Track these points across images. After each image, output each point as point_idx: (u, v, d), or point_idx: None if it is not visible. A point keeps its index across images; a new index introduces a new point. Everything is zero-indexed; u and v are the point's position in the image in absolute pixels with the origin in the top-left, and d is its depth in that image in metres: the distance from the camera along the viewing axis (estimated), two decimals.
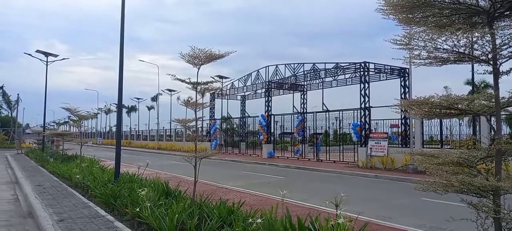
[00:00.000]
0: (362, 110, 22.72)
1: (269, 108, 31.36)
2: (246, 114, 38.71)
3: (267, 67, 31.90)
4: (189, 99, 9.23)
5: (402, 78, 23.93)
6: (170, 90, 60.52)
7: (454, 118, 16.91)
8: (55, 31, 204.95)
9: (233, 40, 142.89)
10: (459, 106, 4.14)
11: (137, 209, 6.79)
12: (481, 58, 3.97)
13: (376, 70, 24.39)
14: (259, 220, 5.17)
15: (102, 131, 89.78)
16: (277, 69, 30.73)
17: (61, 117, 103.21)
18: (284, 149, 32.31)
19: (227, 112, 40.34)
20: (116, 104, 19.65)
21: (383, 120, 23.89)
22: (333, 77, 28.40)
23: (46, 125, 39.66)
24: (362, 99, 22.73)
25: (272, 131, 32.44)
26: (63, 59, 33.51)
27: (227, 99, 39.73)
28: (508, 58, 3.93)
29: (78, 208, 8.28)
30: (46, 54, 29.88)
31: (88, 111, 46.94)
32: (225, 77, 46.41)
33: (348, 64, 24.86)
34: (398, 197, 11.92)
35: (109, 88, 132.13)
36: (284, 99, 40.22)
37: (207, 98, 38.78)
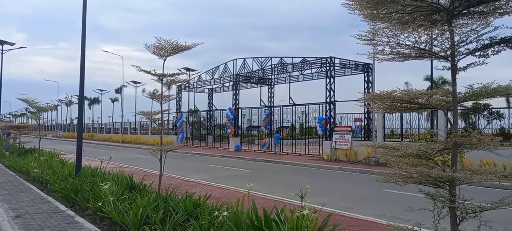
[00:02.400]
0: (327, 105, 23.18)
1: (237, 101, 31.32)
2: (214, 107, 38.45)
3: (235, 60, 31.81)
4: (155, 91, 9.03)
5: (366, 74, 24.61)
6: (135, 82, 59.07)
7: (414, 112, 17.62)
8: (12, 19, 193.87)
9: (200, 32, 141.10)
10: (419, 100, 4.29)
11: (99, 204, 6.58)
12: (440, 54, 4.13)
13: (341, 66, 24.93)
14: (225, 213, 5.16)
15: (62, 123, 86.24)
16: (245, 63, 30.71)
17: (18, 109, 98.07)
18: (251, 142, 32.44)
19: (194, 105, 39.93)
20: (77, 96, 18.92)
21: (348, 114, 24.56)
22: (300, 72, 28.78)
23: (1, 117, 37.54)
24: (328, 93, 23.18)
25: (239, 124, 32.44)
26: (20, 48, 31.76)
27: (194, 92, 39.27)
28: (465, 55, 4.10)
29: (36, 203, 7.91)
30: (1, 42, 28.21)
31: (47, 103, 44.86)
32: (192, 70, 45.88)
33: (315, 59, 25.22)
34: (361, 189, 12.29)
35: (70, 79, 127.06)
36: (252, 93, 40.40)
37: (173, 91, 38.15)
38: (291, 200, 7.57)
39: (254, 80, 31.99)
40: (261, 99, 31.94)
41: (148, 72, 8.28)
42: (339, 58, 24.29)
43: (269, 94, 32.24)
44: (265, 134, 29.95)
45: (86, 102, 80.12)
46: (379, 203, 9.57)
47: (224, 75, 33.05)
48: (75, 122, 75.08)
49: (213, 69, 34.19)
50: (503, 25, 3.88)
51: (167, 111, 40.44)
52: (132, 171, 13.36)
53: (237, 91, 31.59)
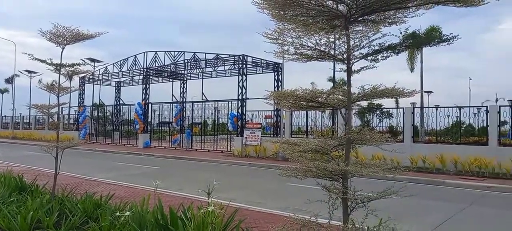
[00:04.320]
0: (239, 102, 23.56)
1: (147, 96, 30.08)
2: (121, 101, 36.37)
3: (145, 53, 30.45)
4: (54, 83, 8.23)
5: (276, 73, 25.57)
6: (29, 71, 52.93)
7: (316, 110, 18.84)
8: None
9: (110, 21, 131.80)
10: (319, 99, 4.58)
11: None
12: (338, 57, 4.46)
13: (253, 64, 25.53)
14: (127, 213, 4.90)
15: None
16: (156, 56, 29.58)
17: None
18: (161, 139, 31.44)
19: (100, 99, 37.26)
20: None
21: (258, 111, 25.27)
22: (213, 68, 28.73)
23: None
24: (240, 91, 23.58)
25: (149, 120, 31.23)
26: None
27: (100, 85, 36.67)
28: (359, 59, 4.49)
29: None
30: None
31: None
32: (98, 61, 42.61)
33: (228, 56, 25.41)
34: (268, 183, 12.75)
35: None
36: (163, 88, 39.09)
37: (76, 83, 35.12)
38: (199, 197, 7.52)
39: (166, 75, 31.05)
40: (172, 95, 31.16)
41: (43, 61, 7.51)
42: (252, 57, 24.84)
43: (182, 90, 31.62)
44: (176, 130, 29.30)
45: None
46: (285, 196, 10.04)
47: (134, 68, 31.45)
48: None
49: (122, 61, 32.27)
50: (390, 33, 4.31)
51: (68, 105, 37.16)
52: (23, 170, 11.96)
53: (148, 86, 30.33)
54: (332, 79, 27.12)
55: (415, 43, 24.13)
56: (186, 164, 18.75)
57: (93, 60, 42.23)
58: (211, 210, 4.27)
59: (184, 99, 30.81)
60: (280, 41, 4.51)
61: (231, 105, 24.59)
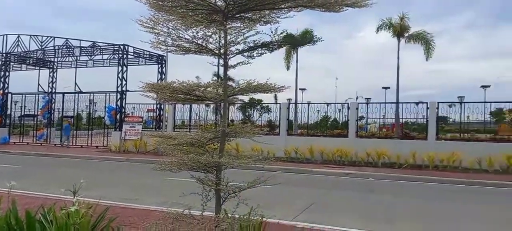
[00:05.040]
0: (118, 94, 22.13)
1: (6, 85, 25.97)
2: None
3: (5, 36, 26.16)
4: None
5: (160, 65, 24.72)
6: None
7: (196, 104, 18.87)
8: None
9: None
10: (196, 93, 4.59)
11: None
12: (215, 51, 4.53)
13: (135, 55, 24.18)
14: None
15: None
16: (19, 40, 25.64)
17: None
18: (24, 134, 27.57)
19: None
20: None
21: (140, 104, 24.08)
22: (89, 57, 26.25)
23: None
24: (119, 82, 22.16)
25: (8, 112, 27.06)
26: None
27: None
28: (235, 54, 4.64)
29: None
30: None
31: None
32: None
33: (107, 44, 23.58)
34: (146, 178, 12.28)
35: None
36: (27, 76, 34.17)
37: None
38: (65, 196, 6.81)
39: (31, 62, 27.22)
40: (39, 84, 27.53)
41: None
42: (134, 47, 23.50)
43: (50, 79, 28.15)
44: (43, 124, 26.03)
45: None
46: (164, 191, 9.81)
47: None
48: None
49: None
50: (262, 31, 4.54)
51: None
52: None
53: (7, 73, 26.21)
54: (217, 74, 27.51)
55: (290, 43, 26.21)
56: (53, 162, 16.84)
57: None
58: (74, 210, 3.90)
59: (54, 90, 27.52)
60: (156, 31, 4.36)
61: (109, 97, 22.94)
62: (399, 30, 23.10)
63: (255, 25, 4.78)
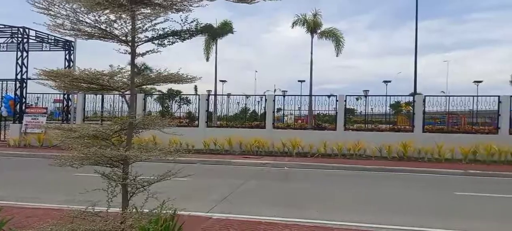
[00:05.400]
0: (18, 82, 19.85)
1: None
2: None
3: None
4: None
5: (67, 52, 22.68)
6: None
7: (101, 93, 17.79)
8: None
9: None
10: (101, 82, 4.28)
11: None
12: (121, 38, 4.26)
13: (38, 39, 21.85)
14: None
15: None
16: None
17: None
18: None
19: None
20: None
21: (45, 94, 21.91)
22: None
23: None
24: (19, 69, 19.87)
25: None
26: None
27: None
28: (144, 42, 4.42)
29: None
30: None
31: None
32: None
33: (3, 26, 20.91)
34: (51, 175, 11.24)
35: None
36: None
37: None
38: None
39: None
40: None
41: None
42: (35, 31, 21.20)
43: None
44: None
45: None
46: (69, 188, 9.05)
47: None
48: None
49: None
50: (171, 18, 4.39)
51: None
52: None
53: None
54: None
55: (210, 33, 26.06)
56: None
57: None
58: None
59: None
60: (52, 13, 3.95)
61: (7, 86, 20.47)
62: (313, 26, 24.34)
63: (166, 12, 4.60)
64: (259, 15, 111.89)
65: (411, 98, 18.72)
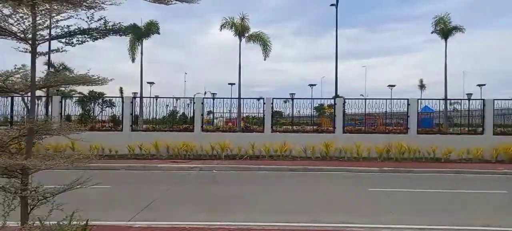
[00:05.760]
0: None
1: None
2: None
3: None
4: None
5: None
6: None
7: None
8: None
9: None
10: None
11: None
12: (19, 35, 3.87)
13: None
14: None
15: None
16: None
17: None
18: None
19: None
20: None
21: None
22: None
23: None
24: None
25: None
26: None
27: None
28: (47, 40, 4.06)
29: None
30: None
31: None
32: None
33: None
34: None
35: None
36: None
37: None
38: None
39: None
40: None
41: None
42: None
43: None
44: None
45: None
46: None
47: None
48: None
49: None
50: (77, 15, 4.10)
51: None
52: None
53: None
54: (48, 63, 24.10)
55: (134, 33, 25.04)
56: None
57: None
58: None
59: None
60: None
61: None
62: (240, 30, 24.59)
63: (75, 9, 4.29)
64: (192, 17, 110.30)
65: (333, 101, 19.78)
